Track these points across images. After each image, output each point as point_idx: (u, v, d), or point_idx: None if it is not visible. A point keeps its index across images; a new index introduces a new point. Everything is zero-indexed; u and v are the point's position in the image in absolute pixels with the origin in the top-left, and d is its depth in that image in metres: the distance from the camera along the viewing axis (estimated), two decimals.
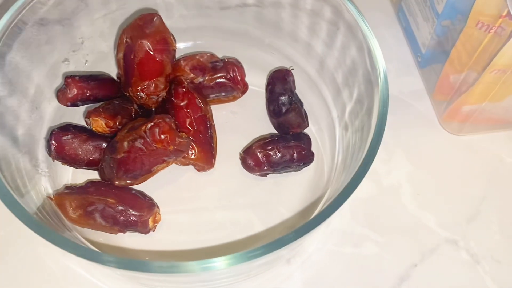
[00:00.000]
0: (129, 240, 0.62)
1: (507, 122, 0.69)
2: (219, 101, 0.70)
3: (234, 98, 0.70)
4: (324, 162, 0.67)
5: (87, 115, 0.63)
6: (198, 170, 0.66)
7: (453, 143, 0.70)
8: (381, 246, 0.63)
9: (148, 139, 0.58)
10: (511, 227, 0.65)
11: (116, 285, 0.61)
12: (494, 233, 0.65)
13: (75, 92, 0.64)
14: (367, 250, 0.63)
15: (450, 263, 0.63)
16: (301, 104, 0.68)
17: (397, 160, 0.69)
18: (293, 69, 0.70)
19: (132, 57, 0.63)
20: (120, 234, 0.61)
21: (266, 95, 0.70)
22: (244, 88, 0.70)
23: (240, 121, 0.70)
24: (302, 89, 0.70)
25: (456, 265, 0.63)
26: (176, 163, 0.64)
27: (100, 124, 0.63)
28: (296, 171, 0.66)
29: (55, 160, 0.63)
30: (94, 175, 0.64)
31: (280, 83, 0.68)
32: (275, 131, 0.69)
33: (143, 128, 0.59)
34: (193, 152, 0.64)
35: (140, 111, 0.66)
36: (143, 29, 0.63)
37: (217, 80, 0.68)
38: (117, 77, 0.69)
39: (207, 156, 0.65)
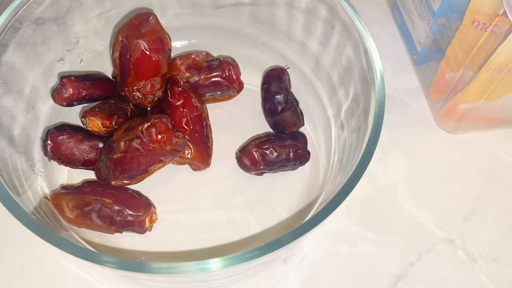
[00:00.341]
0: (126, 240, 0.62)
1: (503, 120, 0.69)
2: (215, 100, 0.70)
3: (230, 97, 0.70)
4: (320, 161, 0.67)
5: (83, 114, 0.63)
6: (194, 170, 0.66)
7: (449, 141, 0.70)
8: (378, 245, 0.63)
9: (145, 139, 0.58)
10: (508, 226, 0.65)
11: (113, 285, 0.61)
12: (491, 232, 0.65)
13: (71, 92, 0.63)
14: (364, 249, 0.63)
15: (447, 262, 0.63)
16: (297, 103, 0.68)
17: (393, 159, 0.69)
18: (288, 68, 0.70)
19: (128, 56, 0.62)
20: (117, 234, 0.61)
21: (262, 94, 0.70)
22: (240, 87, 0.70)
23: (235, 120, 0.70)
24: (297, 88, 0.70)
25: (453, 264, 0.63)
26: (172, 163, 0.64)
27: (96, 124, 0.62)
28: (292, 170, 0.66)
29: (51, 160, 0.63)
30: (90, 175, 0.64)
31: (275, 82, 0.68)
32: (271, 130, 0.69)
33: (140, 128, 0.58)
34: (189, 151, 0.64)
35: (136, 110, 0.66)
36: (138, 29, 0.63)
37: (213, 79, 0.68)
38: (113, 77, 0.69)
39: (203, 156, 0.65)
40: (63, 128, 0.63)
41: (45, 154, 0.62)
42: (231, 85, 0.69)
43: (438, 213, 0.66)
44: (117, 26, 0.69)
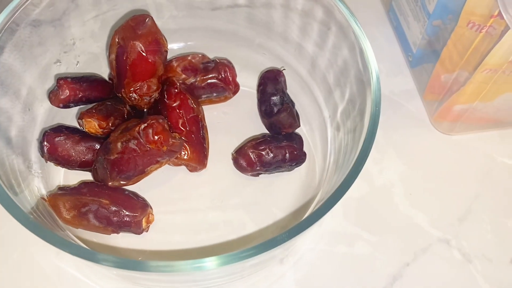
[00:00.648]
0: (123, 240, 0.62)
1: (498, 121, 0.70)
2: (211, 101, 0.70)
3: (226, 99, 0.71)
4: (316, 162, 0.67)
5: (80, 116, 0.63)
6: (191, 171, 0.66)
7: (445, 142, 0.70)
8: (374, 245, 0.64)
9: (141, 140, 0.58)
10: (503, 226, 0.65)
11: (110, 285, 0.61)
12: (486, 232, 0.65)
13: (67, 94, 0.64)
14: (360, 249, 0.64)
15: (442, 262, 0.63)
16: (293, 104, 0.68)
17: (389, 160, 0.69)
18: (284, 69, 0.70)
19: (124, 58, 0.63)
20: (114, 235, 0.61)
21: (258, 95, 0.70)
22: (236, 88, 0.70)
23: (232, 121, 0.70)
24: (293, 89, 0.70)
25: (448, 264, 0.63)
26: (168, 164, 0.64)
27: (93, 125, 0.63)
28: (288, 171, 0.66)
29: (48, 161, 0.63)
30: (86, 176, 0.65)
31: (271, 83, 0.68)
32: (267, 131, 0.69)
33: (137, 129, 0.59)
34: (186, 152, 0.64)
35: (132, 112, 0.66)
36: (135, 30, 0.63)
37: (209, 81, 0.68)
38: (109, 78, 0.69)
39: (199, 157, 0.65)
40: (59, 129, 0.63)
41: (42, 155, 0.63)
42: (227, 86, 0.69)
43: (434, 214, 0.66)
44: (114, 28, 0.69)
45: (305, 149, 0.66)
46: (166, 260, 0.47)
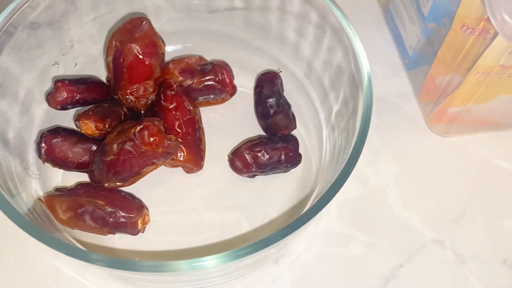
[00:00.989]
0: (119, 241, 0.63)
1: (493, 123, 0.70)
2: (208, 103, 0.71)
3: (223, 101, 0.71)
4: (312, 163, 0.68)
5: (77, 118, 0.64)
6: (187, 172, 0.66)
7: (440, 144, 0.71)
8: (368, 246, 0.64)
9: (137, 142, 0.59)
10: (497, 227, 0.66)
11: (107, 286, 0.61)
12: (480, 233, 0.65)
13: (65, 96, 0.64)
14: (354, 250, 0.64)
15: (436, 263, 0.64)
16: (289, 106, 0.69)
17: (384, 161, 0.70)
18: (281, 71, 0.70)
19: (121, 60, 0.63)
20: (110, 236, 0.62)
21: (254, 97, 0.70)
22: (233, 90, 0.70)
23: (228, 123, 0.71)
24: (290, 92, 0.71)
25: (442, 265, 0.64)
26: (165, 165, 0.64)
27: (90, 127, 0.63)
28: (284, 172, 0.67)
29: (45, 163, 0.64)
30: (84, 177, 0.65)
31: (268, 85, 0.69)
32: (264, 133, 0.69)
33: (132, 130, 0.59)
34: (182, 154, 0.64)
35: (129, 114, 0.67)
36: (132, 33, 0.63)
37: (206, 83, 0.69)
38: (107, 80, 0.70)
39: (195, 158, 0.65)
40: (57, 131, 0.64)
41: (39, 156, 0.63)
42: (224, 88, 0.69)
43: (428, 215, 0.66)
44: (112, 30, 0.70)
45: (301, 150, 0.67)
46: (162, 260, 0.47)
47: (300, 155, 0.66)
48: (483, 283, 0.63)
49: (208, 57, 0.71)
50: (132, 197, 0.63)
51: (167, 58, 0.69)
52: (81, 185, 0.62)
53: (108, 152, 0.60)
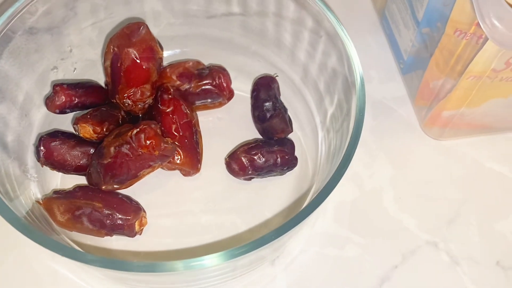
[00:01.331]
0: (116, 243, 0.63)
1: (486, 127, 0.71)
2: (206, 107, 0.71)
3: (220, 105, 0.72)
4: (308, 166, 0.68)
5: (75, 121, 0.64)
6: (184, 175, 0.67)
7: (434, 147, 0.72)
8: (363, 248, 0.65)
9: (133, 145, 0.59)
10: (490, 229, 0.66)
11: (105, 287, 0.62)
12: (473, 235, 0.66)
13: (63, 100, 0.65)
14: (350, 252, 0.65)
15: (430, 264, 0.64)
16: (285, 110, 0.69)
17: (380, 164, 0.70)
18: (277, 76, 0.71)
19: (119, 65, 0.64)
20: (108, 238, 0.62)
21: (251, 101, 0.71)
22: (230, 94, 0.71)
23: (225, 126, 0.71)
24: (286, 96, 0.71)
25: (436, 266, 0.64)
26: (162, 168, 0.65)
27: (87, 131, 0.64)
28: (280, 175, 0.67)
29: (43, 166, 0.64)
30: (82, 180, 0.66)
31: (264, 89, 0.69)
32: (260, 136, 0.70)
33: (129, 134, 0.60)
34: (179, 157, 0.65)
35: (127, 117, 0.67)
36: (129, 38, 0.64)
37: (203, 87, 0.69)
38: (105, 84, 0.70)
39: (192, 161, 0.66)
40: (55, 134, 0.64)
41: (38, 160, 0.64)
42: (221, 92, 0.70)
43: (422, 217, 0.67)
44: (110, 35, 0.70)
45: (297, 153, 0.67)
46: (159, 261, 0.48)
47: (296, 158, 0.67)
48: (477, 284, 0.63)
49: (206, 62, 0.71)
50: (129, 199, 0.63)
51: (165, 62, 0.70)
52: (79, 187, 0.63)
53: (105, 155, 0.60)
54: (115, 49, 0.64)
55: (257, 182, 0.67)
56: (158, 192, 0.67)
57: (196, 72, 0.69)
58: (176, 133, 0.65)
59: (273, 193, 0.67)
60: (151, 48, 0.65)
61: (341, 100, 0.61)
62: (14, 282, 0.62)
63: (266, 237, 0.49)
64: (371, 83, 0.75)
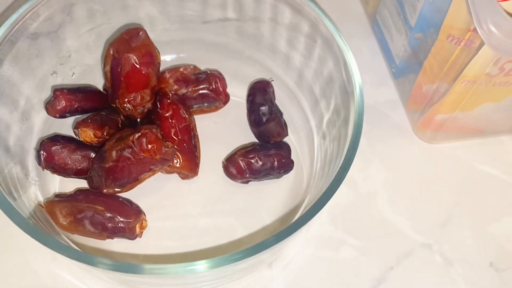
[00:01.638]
0: (117, 246, 0.64)
1: (479, 130, 0.72)
2: (202, 111, 0.72)
3: (217, 109, 0.72)
4: (304, 170, 0.69)
5: (76, 126, 0.65)
6: (183, 178, 0.68)
7: (427, 151, 0.73)
8: (359, 250, 0.66)
9: (135, 149, 0.60)
10: (483, 231, 0.67)
11: None
12: (466, 237, 0.67)
13: (64, 104, 0.65)
14: (345, 254, 0.65)
15: (425, 266, 0.65)
16: (281, 114, 0.70)
17: (374, 167, 0.71)
18: (272, 80, 0.72)
19: (118, 70, 0.64)
20: (109, 240, 0.63)
21: (247, 105, 0.72)
22: (226, 98, 0.72)
23: (222, 130, 0.72)
24: (281, 100, 0.72)
25: (430, 268, 0.65)
26: (161, 171, 0.65)
27: (88, 135, 0.64)
28: (276, 178, 0.68)
29: (44, 169, 0.65)
30: (82, 183, 0.66)
31: (260, 94, 0.70)
32: (256, 140, 0.71)
33: (131, 138, 0.60)
34: (178, 160, 0.65)
35: (126, 121, 0.68)
36: (129, 43, 0.64)
37: (200, 92, 0.70)
38: (104, 89, 0.71)
39: (191, 165, 0.66)
40: (56, 138, 0.65)
41: (39, 163, 0.64)
42: (217, 97, 0.71)
43: (416, 219, 0.68)
44: (108, 40, 0.71)
45: (293, 157, 0.68)
46: (159, 264, 0.49)
47: (292, 161, 0.68)
48: (471, 286, 0.64)
49: (202, 67, 0.72)
50: (130, 202, 0.64)
51: (162, 67, 0.70)
52: (80, 191, 0.63)
53: (107, 159, 0.61)
54: (115, 54, 0.64)
55: (254, 185, 0.68)
56: (157, 195, 0.67)
57: (193, 77, 0.70)
58: (175, 137, 0.66)
59: (270, 196, 0.68)
60: (150, 53, 0.65)
61: (338, 105, 0.61)
62: (14, 284, 0.63)
63: (265, 243, 0.50)
64: (363, 87, 0.75)
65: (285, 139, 0.70)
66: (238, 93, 0.73)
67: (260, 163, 0.66)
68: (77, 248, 0.61)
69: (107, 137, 0.65)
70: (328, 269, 0.64)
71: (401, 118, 0.75)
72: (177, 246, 0.64)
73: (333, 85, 0.62)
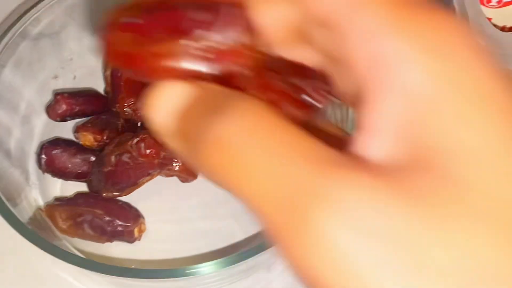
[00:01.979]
0: (116, 249, 0.64)
1: None
2: None
3: None
4: None
5: (76, 130, 0.65)
6: (182, 181, 0.67)
7: None
8: None
9: (134, 154, 0.61)
10: None
11: None
12: None
13: (64, 108, 0.66)
14: None
15: None
16: None
17: None
18: None
19: (119, 74, 0.65)
20: (108, 244, 0.63)
21: None
22: None
23: None
24: None
25: None
26: (161, 175, 0.65)
27: (88, 139, 0.65)
28: None
29: (45, 173, 0.65)
30: (82, 187, 0.66)
31: None
32: None
33: (129, 143, 0.61)
34: (177, 164, 0.66)
35: (126, 125, 0.68)
36: None
37: None
38: (105, 92, 0.71)
39: (190, 168, 0.66)
40: (56, 142, 0.66)
41: (40, 167, 0.65)
42: None
43: None
44: None
45: None
46: (158, 268, 0.49)
47: None
48: None
49: None
50: (129, 206, 0.64)
51: None
52: (80, 194, 0.64)
53: (106, 163, 0.61)
54: None
55: None
56: (156, 198, 0.67)
57: None
58: None
59: None
60: None
61: None
62: (16, 286, 0.63)
63: (262, 245, 0.50)
64: None
65: None
66: None
67: None
68: (76, 251, 0.62)
69: (107, 141, 0.65)
70: None
71: None
72: (176, 249, 0.64)
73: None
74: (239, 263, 0.50)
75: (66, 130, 0.69)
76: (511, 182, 0.21)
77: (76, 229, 0.62)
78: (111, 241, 0.63)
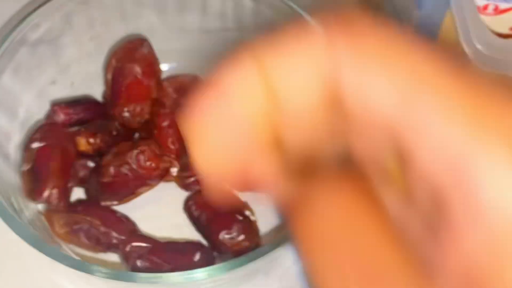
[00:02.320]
0: (114, 254, 0.64)
1: None
2: None
3: None
4: None
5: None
6: (181, 188, 0.68)
7: None
8: None
9: (133, 166, 0.61)
10: None
11: None
12: None
13: (62, 118, 0.66)
14: None
15: None
16: None
17: None
18: None
19: (120, 79, 0.65)
20: None
21: None
22: None
23: None
24: None
25: None
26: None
27: (82, 143, 0.65)
28: None
29: None
30: (81, 193, 0.66)
31: None
32: None
33: (129, 154, 0.62)
34: (175, 169, 0.66)
35: (121, 129, 0.68)
36: (132, 53, 0.65)
37: None
38: (103, 97, 0.71)
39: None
40: None
41: None
42: None
43: None
44: (108, 49, 0.71)
45: None
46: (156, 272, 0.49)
47: None
48: None
49: (202, 76, 0.72)
50: (126, 219, 0.64)
51: (162, 76, 0.71)
52: (80, 201, 0.65)
53: (104, 174, 0.62)
54: (118, 63, 0.65)
55: (251, 195, 0.67)
56: (154, 204, 0.67)
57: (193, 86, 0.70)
58: (172, 146, 0.66)
59: (267, 205, 0.67)
60: (153, 65, 0.66)
61: None
62: None
63: (260, 251, 0.51)
64: None
65: None
66: None
67: None
68: (75, 256, 0.62)
69: (101, 144, 0.65)
70: None
71: None
72: None
73: None
74: (236, 269, 0.50)
75: None
76: None
77: (72, 236, 0.62)
78: (105, 252, 0.63)
